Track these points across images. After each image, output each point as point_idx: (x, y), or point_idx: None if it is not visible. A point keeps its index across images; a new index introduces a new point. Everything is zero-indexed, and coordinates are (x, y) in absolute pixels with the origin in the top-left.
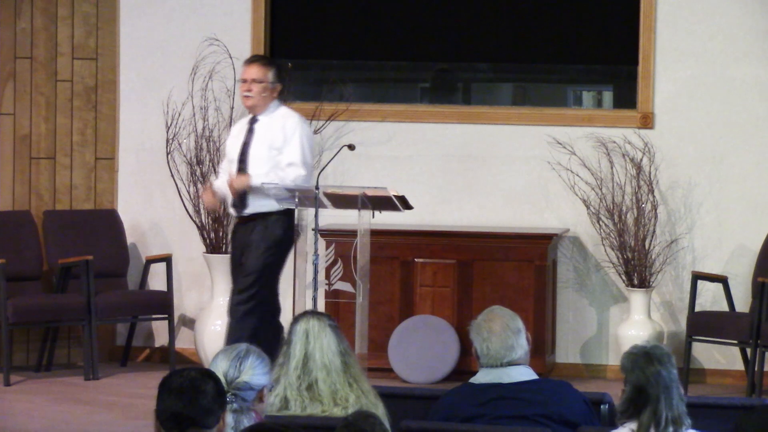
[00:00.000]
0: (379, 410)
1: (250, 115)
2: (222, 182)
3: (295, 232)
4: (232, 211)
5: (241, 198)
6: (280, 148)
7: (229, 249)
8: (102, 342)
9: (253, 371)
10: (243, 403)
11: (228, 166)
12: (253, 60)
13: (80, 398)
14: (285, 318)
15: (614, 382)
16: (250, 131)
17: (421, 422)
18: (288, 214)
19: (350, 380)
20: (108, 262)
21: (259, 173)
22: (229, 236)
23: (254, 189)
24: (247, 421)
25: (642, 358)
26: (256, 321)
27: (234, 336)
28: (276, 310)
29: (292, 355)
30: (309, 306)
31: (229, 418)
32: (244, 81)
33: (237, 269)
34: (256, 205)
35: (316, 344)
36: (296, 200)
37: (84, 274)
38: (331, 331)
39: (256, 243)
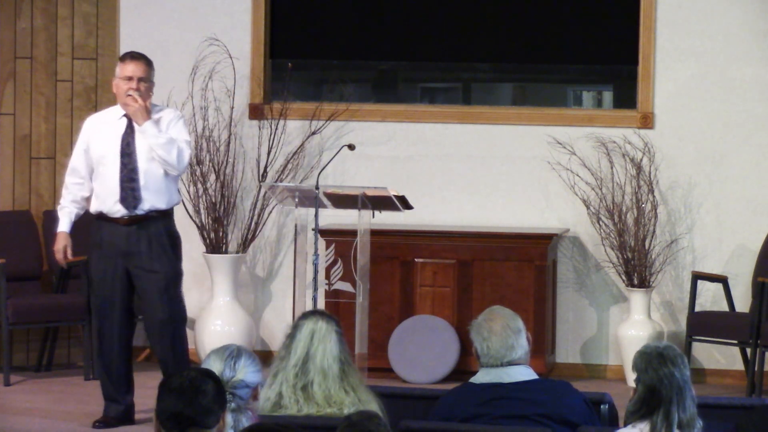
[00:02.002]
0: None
1: (122, 112)
2: (70, 210)
3: None
4: (119, 208)
5: (133, 191)
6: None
7: (96, 258)
8: None
9: (247, 369)
10: (240, 401)
11: (93, 169)
12: (136, 56)
13: (80, 398)
14: (286, 318)
15: (614, 382)
16: (131, 128)
17: (421, 422)
18: (171, 213)
19: (347, 387)
20: None
21: (147, 166)
22: (103, 241)
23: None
24: (245, 420)
25: (656, 359)
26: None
27: (177, 356)
28: None
29: (293, 352)
30: (309, 306)
31: (228, 418)
32: (130, 79)
33: (116, 281)
34: (152, 201)
35: (319, 347)
36: (296, 200)
37: (84, 274)
38: (336, 337)
39: (161, 247)
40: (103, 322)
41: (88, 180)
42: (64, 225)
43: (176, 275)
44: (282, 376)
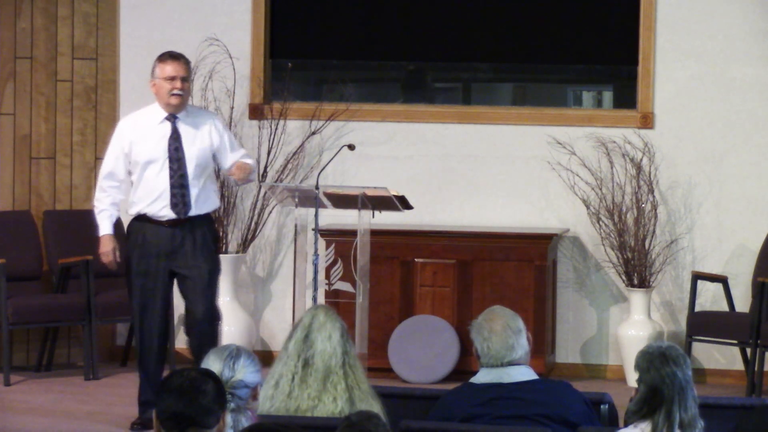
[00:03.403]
0: (375, 408)
1: (163, 114)
2: (111, 212)
3: None
4: (167, 212)
5: (183, 197)
6: (215, 147)
7: (138, 257)
8: (102, 342)
9: (246, 369)
10: (240, 401)
11: (131, 171)
12: (176, 56)
13: (80, 398)
14: (286, 318)
15: (614, 382)
16: (176, 131)
17: (421, 422)
18: (212, 215)
19: (347, 369)
20: None
21: (195, 171)
22: (146, 241)
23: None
24: (245, 420)
25: (658, 359)
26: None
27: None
28: None
29: (295, 334)
30: (309, 306)
31: (227, 418)
32: (173, 78)
33: (158, 281)
34: (199, 206)
35: (321, 331)
36: (296, 200)
37: (84, 274)
38: (340, 326)
39: (206, 246)
40: (143, 322)
41: (126, 182)
42: (107, 228)
43: (217, 271)
44: (284, 357)
